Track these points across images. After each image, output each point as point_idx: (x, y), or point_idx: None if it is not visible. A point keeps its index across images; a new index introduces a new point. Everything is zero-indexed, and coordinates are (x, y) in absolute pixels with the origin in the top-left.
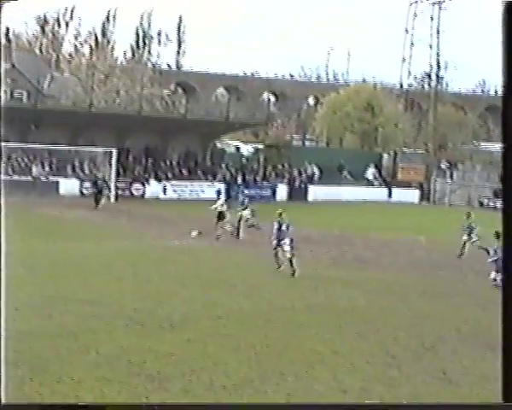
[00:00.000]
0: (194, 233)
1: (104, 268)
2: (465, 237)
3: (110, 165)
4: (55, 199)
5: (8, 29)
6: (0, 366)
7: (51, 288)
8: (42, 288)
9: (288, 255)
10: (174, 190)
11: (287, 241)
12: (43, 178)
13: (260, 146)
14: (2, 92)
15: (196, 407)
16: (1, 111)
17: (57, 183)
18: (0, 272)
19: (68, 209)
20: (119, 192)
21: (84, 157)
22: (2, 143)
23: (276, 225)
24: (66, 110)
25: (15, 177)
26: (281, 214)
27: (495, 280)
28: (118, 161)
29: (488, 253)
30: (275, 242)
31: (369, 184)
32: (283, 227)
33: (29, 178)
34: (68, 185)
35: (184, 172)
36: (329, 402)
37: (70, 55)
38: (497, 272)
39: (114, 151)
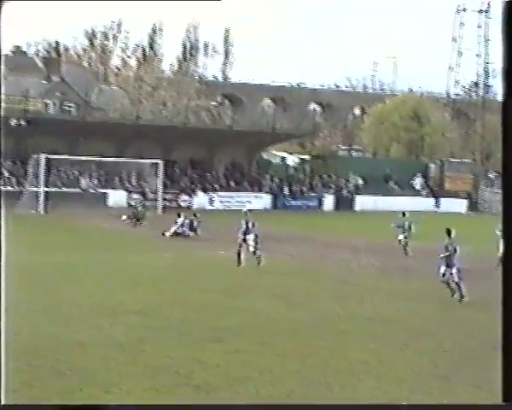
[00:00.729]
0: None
1: (151, 279)
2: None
3: (157, 176)
4: (104, 210)
5: (57, 43)
6: (0, 367)
7: (99, 298)
8: (90, 298)
9: (252, 249)
10: (221, 201)
11: (251, 237)
12: (91, 190)
13: (306, 157)
14: (52, 105)
15: (196, 407)
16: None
17: (105, 194)
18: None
19: (116, 221)
20: (167, 204)
21: (131, 169)
22: (52, 156)
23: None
24: (114, 122)
25: (64, 189)
26: (246, 214)
27: (444, 275)
28: (164, 172)
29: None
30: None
31: (417, 193)
32: (249, 225)
33: (78, 190)
34: (116, 197)
35: (231, 183)
36: (329, 402)
37: (118, 68)
38: (448, 266)
39: (161, 163)
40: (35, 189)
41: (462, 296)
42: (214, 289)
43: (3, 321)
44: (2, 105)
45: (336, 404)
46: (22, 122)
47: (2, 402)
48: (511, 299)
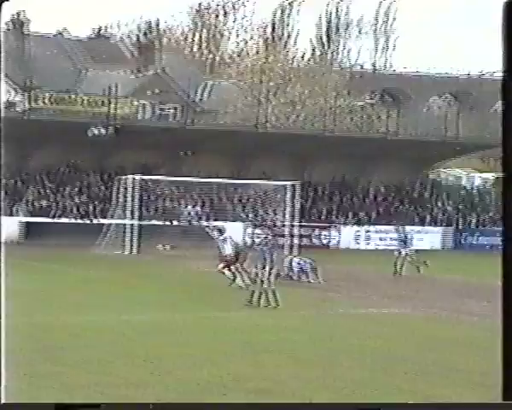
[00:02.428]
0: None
1: (278, 345)
2: None
3: (285, 203)
4: (212, 250)
5: (152, 24)
6: (0, 366)
7: (209, 371)
8: (199, 371)
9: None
10: (369, 237)
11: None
12: (197, 222)
13: (490, 176)
14: (148, 107)
15: (196, 407)
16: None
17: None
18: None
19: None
20: (302, 241)
21: (249, 193)
22: (148, 177)
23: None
24: (228, 130)
25: (161, 221)
26: None
27: None
28: (295, 197)
29: None
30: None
31: None
32: None
33: (179, 221)
34: (231, 232)
35: (387, 211)
36: (330, 402)
37: (232, 56)
38: None
39: (290, 185)
40: (122, 221)
41: None
42: (359, 360)
43: None
44: (79, 108)
45: (336, 403)
46: (106, 131)
47: (2, 401)
48: (511, 299)
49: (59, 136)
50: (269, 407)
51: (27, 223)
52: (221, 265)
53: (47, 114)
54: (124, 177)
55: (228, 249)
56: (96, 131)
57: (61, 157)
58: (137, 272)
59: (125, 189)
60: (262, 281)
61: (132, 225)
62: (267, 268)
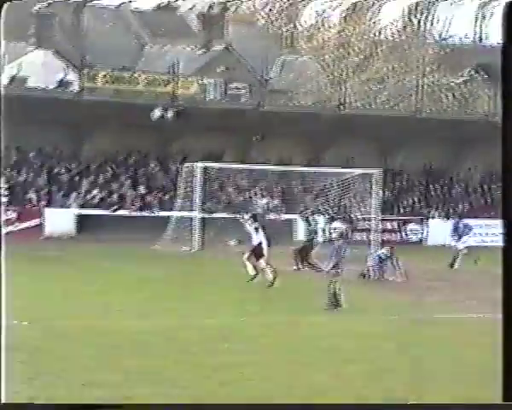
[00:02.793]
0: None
1: (361, 353)
2: None
3: (370, 193)
4: (282, 246)
5: None
6: (0, 366)
7: (282, 381)
8: (270, 382)
9: None
10: (465, 232)
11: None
12: (271, 216)
13: None
14: (212, 87)
15: (196, 407)
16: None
17: (292, 223)
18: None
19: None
20: (385, 237)
21: (331, 182)
22: (214, 164)
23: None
24: (305, 112)
25: (225, 213)
26: None
27: None
28: (382, 187)
29: None
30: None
31: None
32: None
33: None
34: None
35: (487, 203)
36: (329, 402)
37: (310, 29)
38: None
39: (377, 173)
40: (187, 213)
41: None
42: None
43: None
44: (140, 88)
45: (336, 404)
46: (169, 113)
47: (3, 401)
48: (511, 299)
49: (116, 119)
50: (269, 407)
51: (80, 216)
52: (246, 255)
53: (104, 95)
54: (187, 164)
55: (257, 240)
56: (158, 114)
57: (118, 143)
58: (201, 270)
59: (189, 178)
60: (335, 281)
61: (196, 218)
62: (341, 266)
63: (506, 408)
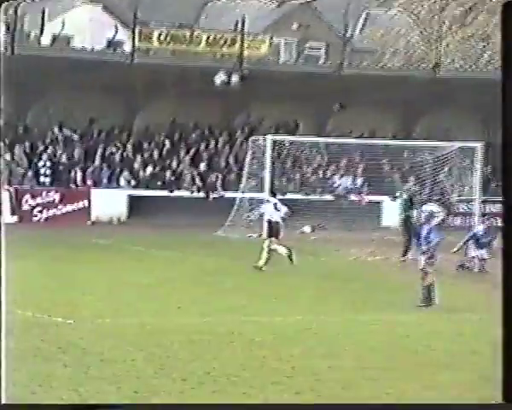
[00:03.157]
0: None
1: (456, 357)
2: None
3: (470, 171)
4: (366, 233)
5: None
6: (0, 366)
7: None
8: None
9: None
10: None
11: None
12: (353, 197)
13: None
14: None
15: (196, 407)
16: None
17: (378, 205)
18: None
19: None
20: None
21: (422, 159)
22: (286, 138)
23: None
24: (394, 76)
25: (304, 196)
26: None
27: None
28: (485, 163)
29: None
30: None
31: None
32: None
33: (323, 195)
34: (395, 210)
35: None
36: (329, 402)
37: None
38: None
39: (480, 146)
40: (254, 195)
41: None
42: None
43: None
44: (200, 48)
45: (336, 404)
46: (235, 78)
47: (3, 402)
48: (511, 299)
49: (174, 85)
50: (269, 407)
51: (132, 197)
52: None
53: (159, 57)
54: (255, 138)
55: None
56: (221, 79)
57: (175, 113)
58: (271, 260)
59: (258, 153)
60: (426, 272)
61: (265, 200)
62: (436, 255)
63: (506, 408)
